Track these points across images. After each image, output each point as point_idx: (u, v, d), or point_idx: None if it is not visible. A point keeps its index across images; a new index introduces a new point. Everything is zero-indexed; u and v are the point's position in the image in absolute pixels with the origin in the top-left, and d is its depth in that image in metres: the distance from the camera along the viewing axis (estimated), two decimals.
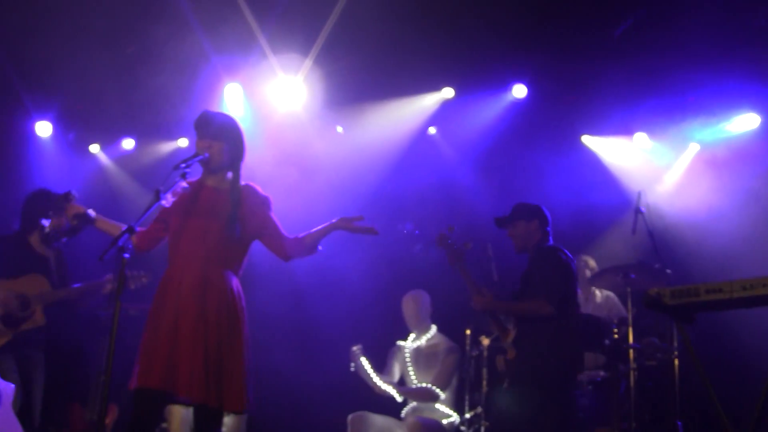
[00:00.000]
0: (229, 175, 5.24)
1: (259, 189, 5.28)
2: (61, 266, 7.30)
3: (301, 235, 5.23)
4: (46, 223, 6.96)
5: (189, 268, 5.01)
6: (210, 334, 4.90)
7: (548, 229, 6.59)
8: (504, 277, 7.72)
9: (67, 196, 5.35)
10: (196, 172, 5.20)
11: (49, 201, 7.05)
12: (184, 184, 4.99)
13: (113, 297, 4.80)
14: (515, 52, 8.64)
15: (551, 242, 6.56)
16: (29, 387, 6.91)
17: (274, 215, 5.25)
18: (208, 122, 5.17)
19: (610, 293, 8.50)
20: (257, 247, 5.28)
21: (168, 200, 4.87)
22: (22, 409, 6.75)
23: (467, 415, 7.74)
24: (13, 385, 6.50)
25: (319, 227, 5.24)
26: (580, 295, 8.36)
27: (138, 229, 4.60)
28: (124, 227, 4.63)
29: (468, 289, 6.45)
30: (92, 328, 7.77)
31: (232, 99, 9.21)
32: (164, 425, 8.03)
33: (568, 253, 6.42)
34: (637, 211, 7.73)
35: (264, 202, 5.25)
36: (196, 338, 4.87)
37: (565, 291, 6.25)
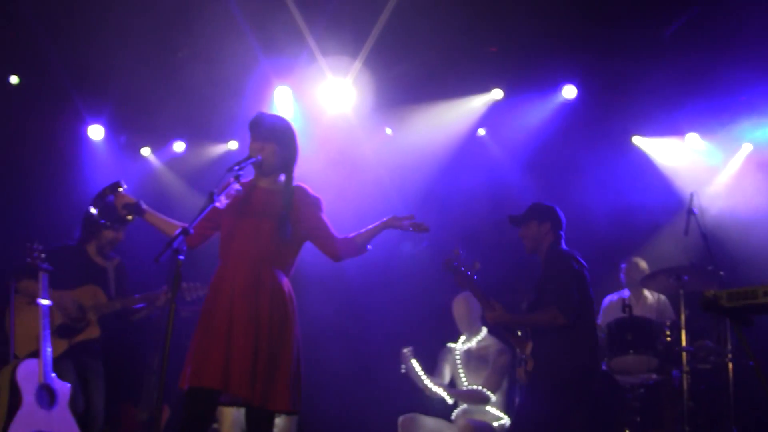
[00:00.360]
0: (282, 177, 5.27)
1: (310, 190, 5.31)
2: (121, 277, 7.38)
3: (352, 234, 5.24)
4: (94, 211, 7.00)
5: (241, 268, 5.04)
6: (261, 334, 4.94)
7: (561, 232, 6.53)
8: None
9: (114, 186, 5.37)
10: (248, 174, 5.23)
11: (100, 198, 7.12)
12: (237, 186, 5.03)
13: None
14: (565, 52, 8.59)
15: (564, 246, 6.49)
16: (89, 394, 6.99)
17: (325, 216, 5.27)
18: (261, 124, 5.21)
19: (662, 296, 8.43)
20: (308, 248, 5.30)
21: (222, 202, 4.92)
22: (84, 414, 6.85)
23: None
24: (69, 385, 6.60)
25: (370, 227, 5.25)
26: (632, 296, 8.33)
27: (192, 231, 4.62)
28: (178, 228, 4.67)
29: (480, 304, 6.43)
30: (144, 329, 7.84)
31: (282, 101, 9.24)
32: (215, 426, 8.08)
33: (581, 260, 6.38)
34: (690, 212, 7.67)
35: (315, 203, 5.27)
36: (248, 338, 4.91)
37: (579, 299, 6.20)
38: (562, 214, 6.58)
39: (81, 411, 6.81)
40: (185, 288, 6.91)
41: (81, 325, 6.98)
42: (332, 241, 5.23)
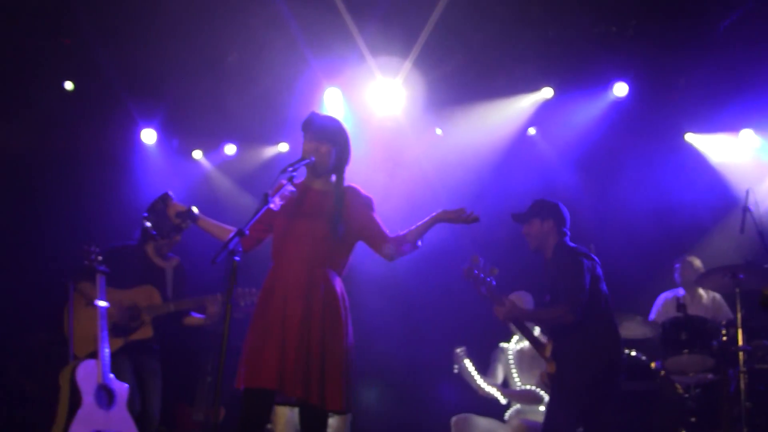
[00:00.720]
0: (334, 177, 5.29)
1: (362, 190, 5.33)
2: (179, 277, 7.41)
3: (403, 232, 5.23)
4: (148, 224, 7.08)
5: (294, 269, 5.07)
6: (313, 334, 4.97)
7: (565, 229, 6.46)
8: (607, 276, 7.59)
9: (164, 198, 5.43)
10: (301, 175, 5.26)
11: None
12: (291, 187, 5.06)
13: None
14: (616, 49, 8.52)
15: (571, 244, 6.44)
16: (146, 393, 7.04)
17: (377, 215, 5.28)
18: (315, 125, 5.23)
19: (717, 294, 8.34)
20: (362, 248, 5.32)
21: (276, 203, 4.94)
22: (141, 413, 6.91)
23: None
24: (127, 385, 6.67)
25: (420, 223, 5.23)
26: (686, 295, 8.25)
27: (247, 232, 4.66)
28: (233, 231, 4.70)
29: (492, 300, 6.40)
30: (198, 330, 7.89)
31: (332, 103, 9.27)
32: (269, 426, 8.12)
33: (592, 255, 6.34)
34: (746, 209, 7.57)
35: (367, 203, 5.29)
36: (301, 338, 4.94)
37: (589, 297, 6.15)
38: (566, 211, 6.53)
39: (138, 410, 6.88)
40: (239, 293, 6.95)
41: (135, 325, 7.04)
42: (384, 240, 5.24)
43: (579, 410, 6.12)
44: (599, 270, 6.31)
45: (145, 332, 7.05)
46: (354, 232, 5.22)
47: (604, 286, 6.32)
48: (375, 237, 5.25)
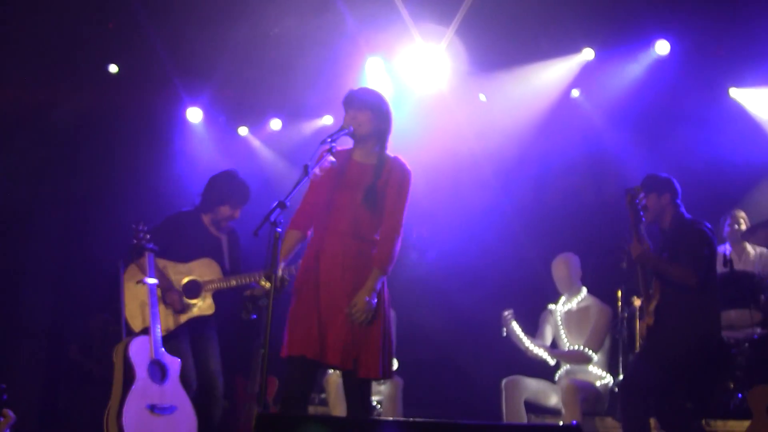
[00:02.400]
0: (377, 148, 5.34)
1: (404, 164, 5.35)
2: (234, 248, 7.38)
3: (379, 252, 5.20)
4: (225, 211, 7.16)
5: (333, 240, 5.18)
6: (348, 302, 5.07)
7: (678, 201, 6.63)
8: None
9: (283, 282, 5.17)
10: (346, 145, 5.34)
11: (233, 186, 7.20)
12: (331, 158, 5.12)
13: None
14: (655, 5, 8.40)
15: (687, 215, 6.59)
16: (205, 359, 7.09)
17: (402, 200, 5.28)
18: (353, 97, 5.30)
19: (765, 249, 8.27)
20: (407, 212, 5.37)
21: (316, 174, 5.02)
22: (203, 377, 7.01)
23: (621, 377, 7.68)
24: (179, 360, 6.77)
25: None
26: (732, 251, 8.21)
27: (288, 203, 4.74)
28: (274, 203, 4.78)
29: (634, 236, 6.43)
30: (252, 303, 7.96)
31: (374, 73, 9.27)
32: (323, 396, 8.25)
33: (711, 227, 6.50)
34: None
35: (401, 182, 5.30)
36: (337, 307, 5.06)
37: (710, 267, 6.38)
38: (678, 184, 6.69)
39: (194, 387, 6.95)
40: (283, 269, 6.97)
41: (195, 303, 7.07)
42: (385, 227, 5.26)
43: (664, 372, 6.27)
44: (716, 243, 6.56)
45: (205, 309, 7.05)
46: (388, 203, 5.27)
47: (715, 263, 6.55)
48: (384, 217, 5.26)
